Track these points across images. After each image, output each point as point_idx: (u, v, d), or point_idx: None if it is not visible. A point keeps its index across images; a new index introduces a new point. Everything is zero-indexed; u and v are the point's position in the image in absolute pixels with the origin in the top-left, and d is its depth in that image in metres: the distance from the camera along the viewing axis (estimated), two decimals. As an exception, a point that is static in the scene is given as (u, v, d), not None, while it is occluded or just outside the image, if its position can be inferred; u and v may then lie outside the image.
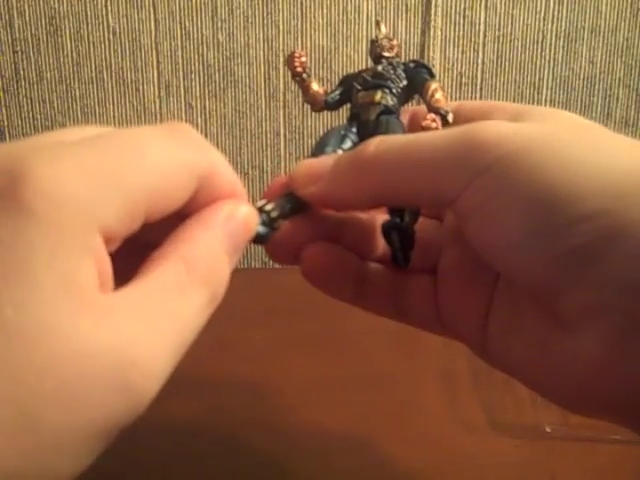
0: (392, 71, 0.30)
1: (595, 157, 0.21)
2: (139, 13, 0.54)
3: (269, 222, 0.25)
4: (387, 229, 0.27)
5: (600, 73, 0.57)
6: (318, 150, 0.28)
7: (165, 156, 0.21)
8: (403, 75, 0.30)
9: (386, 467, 0.35)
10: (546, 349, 0.24)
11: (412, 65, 0.30)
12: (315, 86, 0.31)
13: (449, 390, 0.41)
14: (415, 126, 0.29)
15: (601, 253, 0.21)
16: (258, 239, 0.25)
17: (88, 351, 0.18)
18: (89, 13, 0.54)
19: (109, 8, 0.54)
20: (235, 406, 0.39)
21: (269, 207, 0.25)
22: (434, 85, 0.29)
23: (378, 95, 0.29)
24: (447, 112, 0.28)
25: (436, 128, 0.27)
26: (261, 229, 0.25)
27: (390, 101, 0.29)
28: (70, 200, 0.18)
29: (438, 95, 0.28)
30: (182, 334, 0.21)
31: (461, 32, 0.56)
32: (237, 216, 0.23)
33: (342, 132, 0.29)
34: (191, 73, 0.55)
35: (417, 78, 0.30)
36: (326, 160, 0.26)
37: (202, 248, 0.22)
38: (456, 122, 0.27)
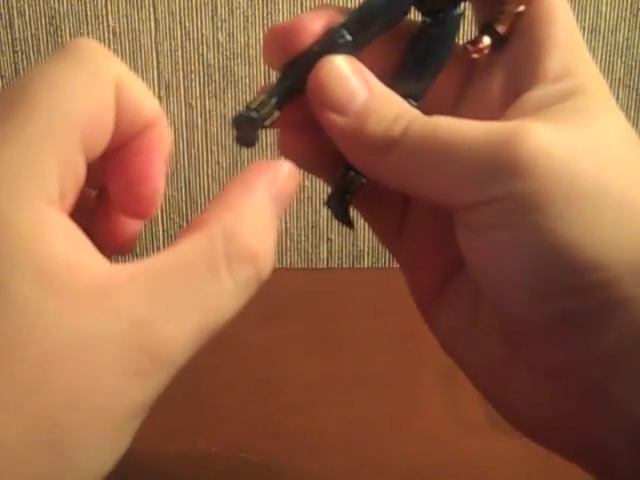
0: None
1: (619, 216, 0.20)
2: (139, 13, 0.54)
3: (260, 118, 0.22)
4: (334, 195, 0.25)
5: (600, 73, 0.57)
6: (361, 22, 0.23)
7: (69, 83, 0.18)
8: None
9: (386, 467, 0.35)
10: (498, 369, 0.23)
11: None
12: None
13: (449, 390, 0.41)
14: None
15: (591, 323, 0.20)
16: (244, 142, 0.22)
17: (86, 341, 0.16)
18: (89, 13, 0.54)
19: (109, 8, 0.54)
20: (235, 406, 0.39)
21: (259, 105, 0.22)
22: None
23: None
24: (502, 36, 0.24)
25: (482, 56, 0.24)
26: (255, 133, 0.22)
27: None
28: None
29: (509, 9, 0.23)
30: (208, 318, 0.18)
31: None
32: (281, 176, 0.20)
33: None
34: (191, 73, 0.55)
35: None
36: (358, 89, 0.22)
37: (248, 214, 0.19)
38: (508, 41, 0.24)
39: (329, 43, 0.23)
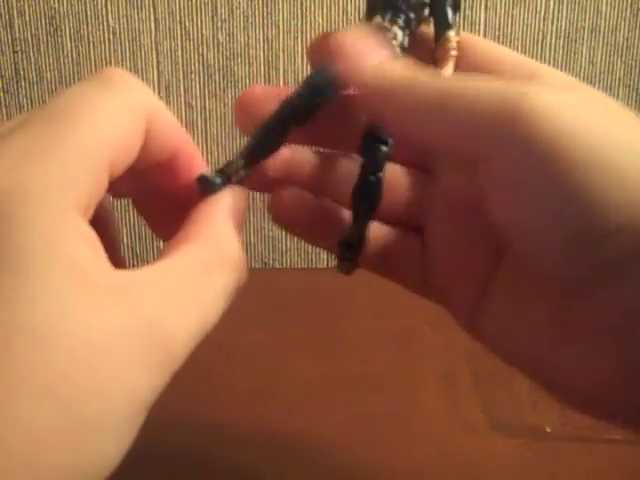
0: None
1: (630, 157, 0.21)
2: (139, 13, 0.54)
3: (226, 177, 0.24)
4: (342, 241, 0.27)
5: (600, 73, 0.57)
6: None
7: (105, 109, 0.20)
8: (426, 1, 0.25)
9: (386, 467, 0.35)
10: (550, 347, 0.23)
11: None
12: None
13: (449, 390, 0.41)
14: None
15: (630, 270, 0.20)
16: (208, 189, 0.24)
17: (107, 336, 0.18)
18: (89, 13, 0.54)
19: (109, 8, 0.54)
20: (235, 406, 0.39)
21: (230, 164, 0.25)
22: (453, 41, 0.25)
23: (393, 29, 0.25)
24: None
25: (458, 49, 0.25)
26: (218, 180, 0.24)
27: (400, 37, 0.25)
28: (32, 191, 0.18)
29: (450, 54, 0.25)
30: (205, 317, 0.21)
31: (461, 32, 0.56)
32: (240, 200, 0.24)
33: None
34: (191, 73, 0.55)
35: (439, 14, 0.25)
36: (377, 48, 0.24)
37: (225, 230, 0.22)
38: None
39: (289, 104, 0.25)
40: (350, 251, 0.27)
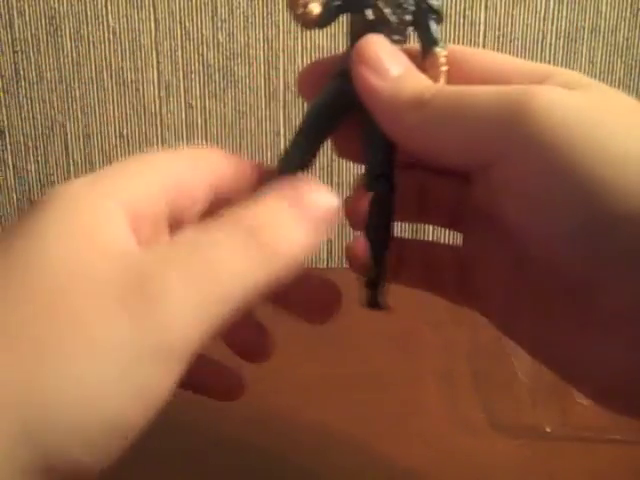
0: (397, 14, 0.25)
1: (636, 148, 0.21)
2: (139, 13, 0.54)
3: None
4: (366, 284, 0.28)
5: (600, 73, 0.57)
6: (309, 130, 0.27)
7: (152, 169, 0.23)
8: (410, 18, 0.26)
9: (386, 467, 0.35)
10: (572, 344, 0.23)
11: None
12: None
13: (449, 390, 0.41)
14: None
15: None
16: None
17: (88, 277, 0.19)
18: (89, 13, 0.54)
19: (109, 8, 0.54)
20: (235, 406, 0.39)
21: None
22: (441, 56, 0.25)
23: None
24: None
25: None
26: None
27: None
28: (78, 188, 0.21)
29: (440, 69, 0.26)
30: (217, 286, 0.19)
31: (461, 32, 0.56)
32: (312, 195, 0.22)
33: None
34: (191, 73, 0.55)
35: (424, 32, 0.26)
36: (397, 60, 0.25)
37: (262, 209, 0.21)
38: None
39: (290, 153, 0.27)
40: (373, 289, 0.28)
